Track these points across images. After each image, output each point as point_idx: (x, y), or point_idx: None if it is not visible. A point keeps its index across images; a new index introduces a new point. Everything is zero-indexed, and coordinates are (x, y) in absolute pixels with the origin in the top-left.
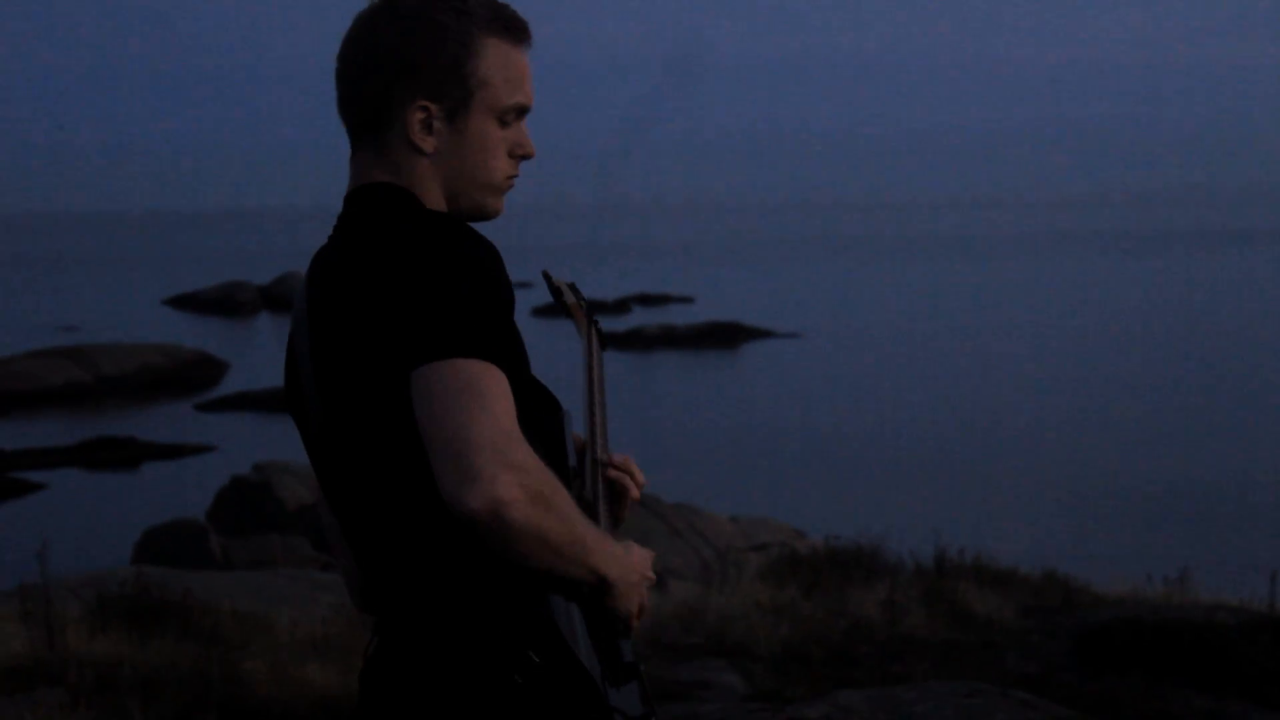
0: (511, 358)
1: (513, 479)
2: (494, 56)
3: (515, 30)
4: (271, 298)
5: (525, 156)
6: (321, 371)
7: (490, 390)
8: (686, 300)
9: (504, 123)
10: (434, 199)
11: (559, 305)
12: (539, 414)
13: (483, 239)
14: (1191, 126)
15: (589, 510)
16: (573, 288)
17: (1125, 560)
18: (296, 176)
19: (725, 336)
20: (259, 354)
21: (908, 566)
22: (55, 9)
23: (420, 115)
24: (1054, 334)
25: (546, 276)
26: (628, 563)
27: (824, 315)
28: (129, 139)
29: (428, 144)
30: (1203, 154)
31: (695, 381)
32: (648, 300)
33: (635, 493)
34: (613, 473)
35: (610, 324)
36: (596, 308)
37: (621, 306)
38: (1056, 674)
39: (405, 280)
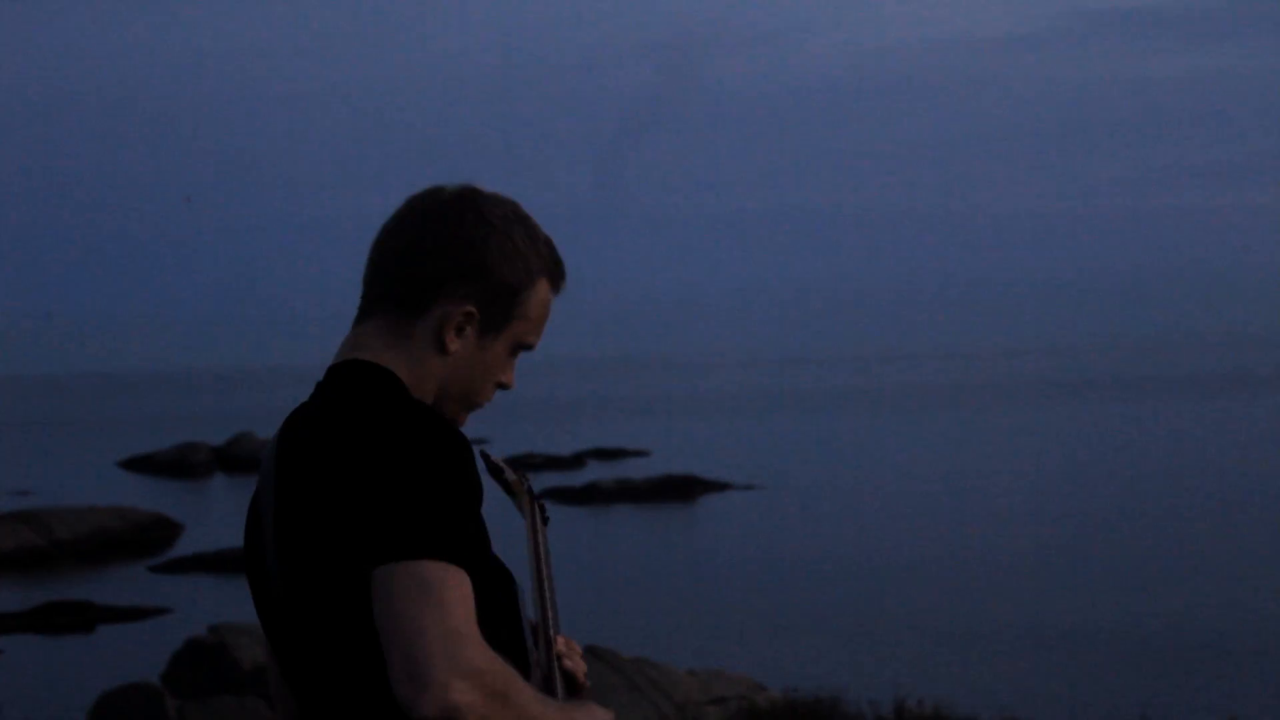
0: (475, 551)
1: (466, 685)
2: (539, 296)
3: (561, 280)
4: (226, 459)
5: (505, 388)
6: (284, 545)
7: (448, 593)
8: (642, 454)
9: (512, 353)
10: (425, 393)
11: (499, 483)
12: (497, 593)
13: (458, 434)
14: (1162, 272)
15: (547, 686)
16: (510, 464)
17: (1084, 703)
18: (249, 337)
19: (682, 489)
20: (214, 515)
21: (868, 717)
22: (9, 186)
23: (461, 319)
24: (1010, 479)
25: (485, 456)
26: None
27: (781, 467)
28: (79, 303)
29: (454, 345)
30: (1156, 300)
31: (652, 534)
32: (603, 454)
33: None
34: (568, 664)
35: (566, 479)
36: (553, 462)
37: (577, 461)
38: None
39: (377, 472)
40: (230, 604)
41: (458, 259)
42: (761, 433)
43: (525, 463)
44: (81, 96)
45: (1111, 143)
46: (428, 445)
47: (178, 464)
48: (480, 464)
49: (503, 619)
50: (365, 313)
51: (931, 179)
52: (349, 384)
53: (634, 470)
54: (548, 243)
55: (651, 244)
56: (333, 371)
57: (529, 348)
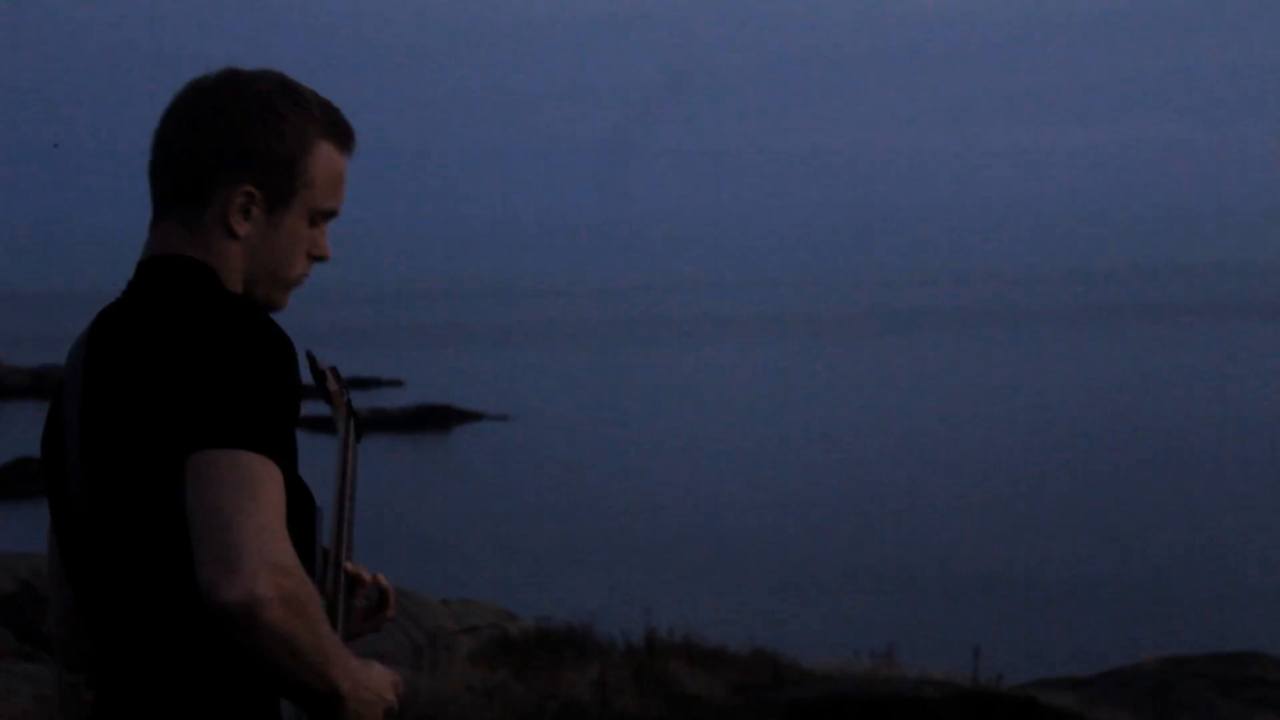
0: (289, 456)
1: (271, 579)
2: (323, 159)
3: (346, 137)
4: None
5: (321, 259)
6: (90, 434)
7: (265, 487)
8: (396, 384)
9: (313, 223)
10: (234, 282)
11: (320, 390)
12: (296, 511)
13: (282, 333)
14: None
15: (330, 613)
16: (335, 372)
17: (832, 636)
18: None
19: (437, 419)
20: None
21: (619, 646)
22: None
23: (242, 200)
24: (761, 414)
25: (311, 358)
26: (366, 681)
27: (533, 398)
28: None
29: (242, 228)
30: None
31: (407, 464)
32: (357, 384)
33: (389, 612)
34: (360, 596)
35: (317, 408)
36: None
37: None
38: None
39: (199, 361)
40: None
41: (225, 142)
42: (514, 364)
43: None
44: None
45: (874, 78)
46: (254, 342)
47: None
48: (304, 367)
49: (297, 540)
50: (159, 213)
51: (698, 111)
52: (164, 277)
53: (388, 399)
54: (323, 106)
55: (405, 174)
56: (142, 267)
57: (333, 213)
